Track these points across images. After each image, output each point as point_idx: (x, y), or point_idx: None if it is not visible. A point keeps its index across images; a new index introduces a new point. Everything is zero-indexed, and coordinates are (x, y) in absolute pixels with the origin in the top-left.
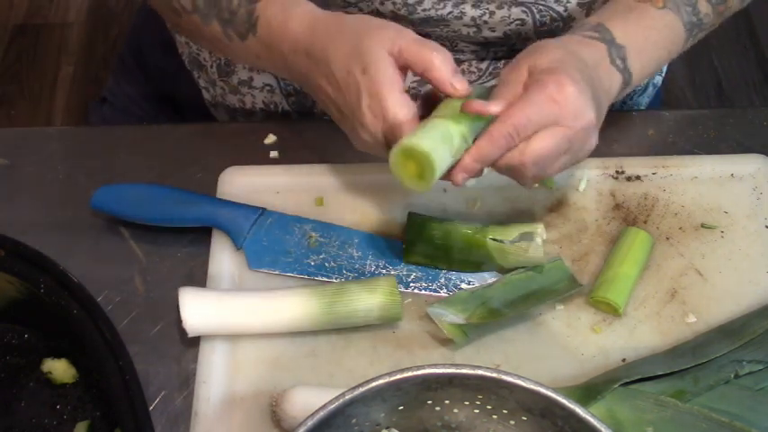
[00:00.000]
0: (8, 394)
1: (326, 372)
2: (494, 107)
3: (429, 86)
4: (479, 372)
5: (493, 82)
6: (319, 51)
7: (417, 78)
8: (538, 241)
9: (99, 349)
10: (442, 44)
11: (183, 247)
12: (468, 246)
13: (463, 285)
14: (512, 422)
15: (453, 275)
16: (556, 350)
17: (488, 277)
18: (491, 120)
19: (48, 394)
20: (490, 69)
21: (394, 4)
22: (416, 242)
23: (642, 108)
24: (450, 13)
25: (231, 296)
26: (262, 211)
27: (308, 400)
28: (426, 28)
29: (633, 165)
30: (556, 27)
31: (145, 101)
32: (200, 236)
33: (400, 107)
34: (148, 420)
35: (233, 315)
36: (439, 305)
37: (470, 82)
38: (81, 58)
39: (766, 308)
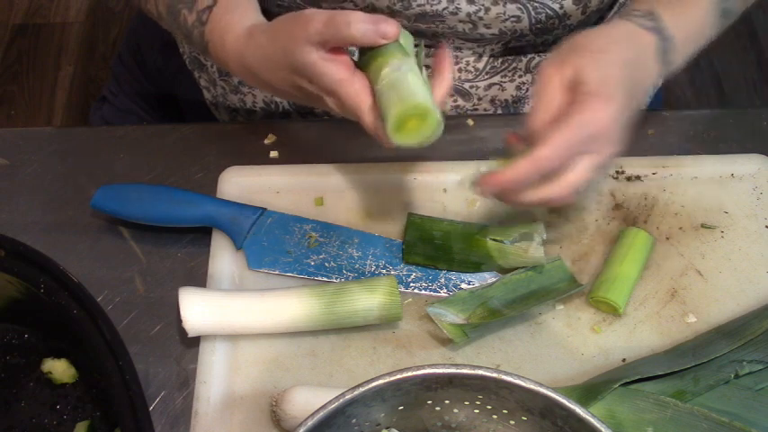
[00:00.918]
0: (8, 394)
1: (326, 372)
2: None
3: None
4: (479, 372)
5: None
6: (267, 80)
7: None
8: (538, 241)
9: (99, 349)
10: (438, 42)
11: (183, 247)
12: (468, 246)
13: (463, 285)
14: (512, 422)
15: (453, 275)
16: (556, 350)
17: (488, 277)
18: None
19: (48, 394)
20: (487, 68)
21: None
22: (416, 242)
23: (642, 108)
24: (445, 8)
25: (231, 296)
26: (262, 211)
27: (308, 400)
28: (422, 24)
29: (633, 165)
30: (551, 25)
31: (145, 101)
32: (200, 236)
33: (360, 93)
34: (148, 420)
35: (233, 315)
36: (439, 305)
37: (467, 80)
38: (81, 58)
39: (766, 308)
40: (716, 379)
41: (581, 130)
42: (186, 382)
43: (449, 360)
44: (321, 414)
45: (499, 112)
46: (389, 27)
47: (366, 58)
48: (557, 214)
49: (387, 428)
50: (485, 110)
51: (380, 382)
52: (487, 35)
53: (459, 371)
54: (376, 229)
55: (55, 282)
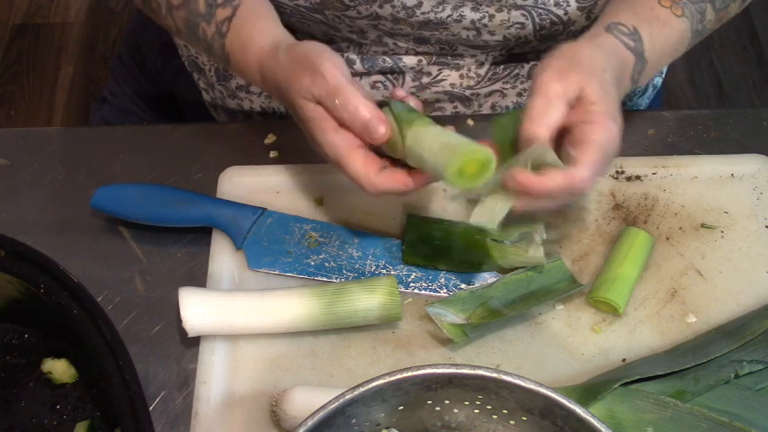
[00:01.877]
0: (8, 394)
1: (326, 372)
2: (538, 184)
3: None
4: (479, 372)
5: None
6: (277, 95)
7: (415, 85)
8: (538, 241)
9: (99, 349)
10: (441, 48)
11: (183, 247)
12: (468, 246)
13: (463, 285)
14: (512, 422)
15: (453, 275)
16: (556, 350)
17: (488, 277)
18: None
19: (48, 394)
20: (489, 75)
21: (393, 7)
22: (416, 243)
23: (641, 108)
24: (449, 16)
25: (231, 296)
26: (262, 211)
27: (308, 400)
28: (425, 31)
29: (633, 165)
30: (555, 31)
31: (145, 101)
32: (200, 236)
33: (339, 144)
34: (148, 420)
35: (233, 315)
36: (439, 305)
37: (469, 87)
38: (81, 58)
39: (766, 308)
40: (716, 379)
41: (603, 151)
42: (186, 382)
43: (449, 360)
44: (321, 414)
45: None
46: (379, 132)
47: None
48: (557, 214)
49: (387, 428)
50: None
51: (380, 382)
52: (491, 42)
53: (459, 371)
54: (376, 230)
55: (55, 282)
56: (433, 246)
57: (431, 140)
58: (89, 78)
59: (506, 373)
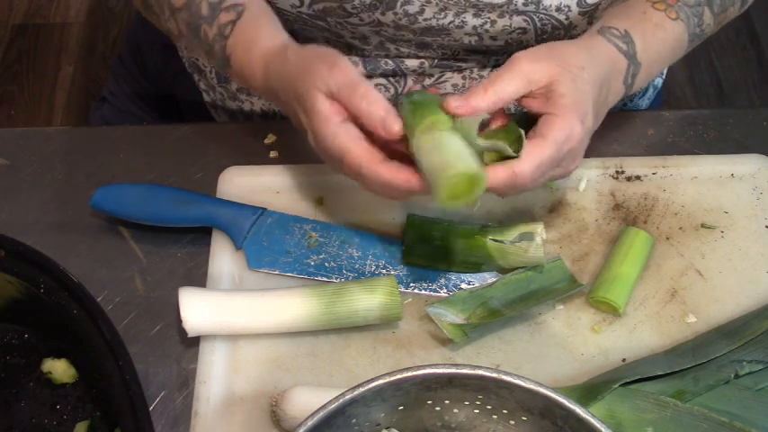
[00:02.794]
0: (8, 394)
1: (326, 372)
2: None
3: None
4: (479, 372)
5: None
6: (279, 96)
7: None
8: (538, 241)
9: (99, 349)
10: (443, 52)
11: (183, 247)
12: (468, 246)
13: (463, 285)
14: (512, 422)
15: (453, 275)
16: (556, 350)
17: (488, 277)
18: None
19: (48, 394)
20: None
21: (395, 14)
22: (416, 243)
23: (641, 109)
24: (451, 22)
25: (231, 296)
26: (262, 211)
27: (308, 400)
28: (427, 37)
29: (633, 165)
30: (557, 35)
31: (144, 101)
32: (200, 236)
33: (343, 134)
34: (148, 420)
35: (233, 315)
36: (439, 305)
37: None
38: (81, 58)
39: (766, 308)
40: (716, 379)
41: (558, 148)
42: (186, 382)
43: (449, 360)
44: (321, 414)
45: None
46: (395, 127)
47: (409, 108)
48: (557, 214)
49: (387, 428)
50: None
51: (380, 382)
52: (493, 47)
53: (459, 371)
54: (376, 230)
55: (55, 282)
56: (433, 246)
57: (428, 150)
58: (89, 78)
59: (506, 373)
